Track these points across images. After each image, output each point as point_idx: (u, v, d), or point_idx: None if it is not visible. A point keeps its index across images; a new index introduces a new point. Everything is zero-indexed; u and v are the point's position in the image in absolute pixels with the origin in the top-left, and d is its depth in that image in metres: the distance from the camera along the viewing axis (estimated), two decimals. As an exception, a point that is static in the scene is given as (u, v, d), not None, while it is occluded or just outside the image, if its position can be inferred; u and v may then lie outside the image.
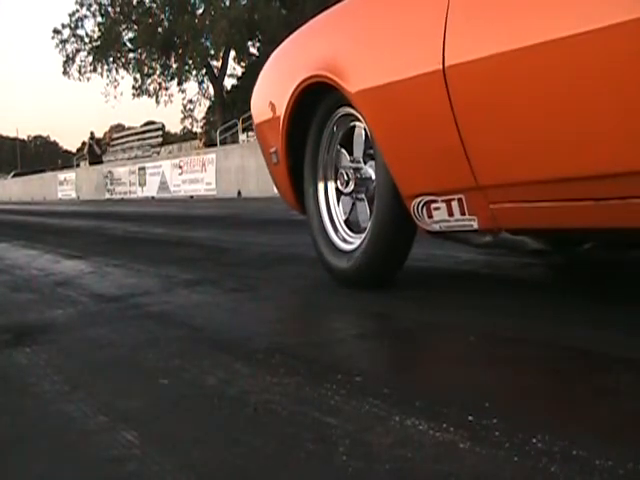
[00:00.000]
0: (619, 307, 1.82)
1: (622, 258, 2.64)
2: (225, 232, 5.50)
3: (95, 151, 27.56)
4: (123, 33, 29.33)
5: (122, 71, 29.90)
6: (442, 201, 1.83)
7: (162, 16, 28.48)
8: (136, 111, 48.41)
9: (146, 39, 27.61)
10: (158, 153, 24.28)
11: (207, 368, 1.44)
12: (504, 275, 2.55)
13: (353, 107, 2.12)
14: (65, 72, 30.20)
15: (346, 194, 2.32)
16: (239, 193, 16.38)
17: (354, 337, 1.77)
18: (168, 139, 32.29)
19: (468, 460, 0.92)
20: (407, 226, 2.03)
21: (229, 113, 26.56)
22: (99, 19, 29.38)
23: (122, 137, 28.50)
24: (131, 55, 29.65)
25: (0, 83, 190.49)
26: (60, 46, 29.91)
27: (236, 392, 1.28)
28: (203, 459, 0.99)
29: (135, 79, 29.51)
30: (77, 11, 29.53)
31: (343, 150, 2.34)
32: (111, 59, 29.48)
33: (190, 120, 31.34)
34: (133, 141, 26.68)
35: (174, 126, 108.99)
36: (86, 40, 29.70)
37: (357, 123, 2.24)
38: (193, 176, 18.70)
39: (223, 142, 21.69)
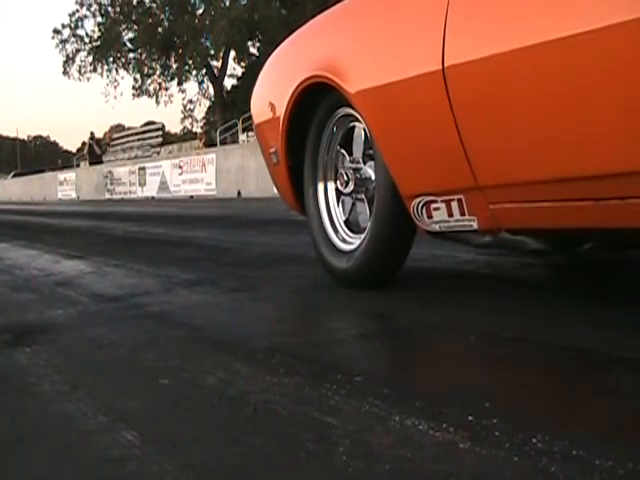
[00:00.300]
0: (619, 307, 1.82)
1: (622, 258, 2.64)
2: (225, 232, 5.50)
3: (95, 151, 27.56)
4: (123, 33, 29.34)
5: (122, 71, 29.93)
6: (442, 201, 1.83)
7: (162, 16, 28.48)
8: (136, 111, 48.43)
9: (146, 39, 27.60)
10: (158, 153, 24.27)
11: (207, 368, 1.44)
12: (504, 275, 2.55)
13: (353, 107, 2.12)
14: (65, 72, 30.21)
15: (346, 194, 2.32)
16: (239, 193, 16.38)
17: (354, 337, 1.77)
18: (168, 139, 32.30)
19: (468, 460, 0.92)
20: (407, 226, 2.03)
21: (229, 113, 26.56)
22: (99, 19, 29.41)
23: (122, 137, 28.48)
24: (131, 55, 29.66)
25: (0, 83, 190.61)
26: (60, 46, 29.94)
27: (236, 392, 1.28)
28: (203, 459, 0.99)
29: (135, 79, 29.54)
30: (77, 11, 29.57)
31: (343, 150, 2.34)
32: (111, 59, 29.48)
33: (190, 120, 31.39)
34: (133, 141, 26.68)
35: (174, 126, 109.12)
36: (86, 40, 29.73)
37: (357, 123, 2.24)
38: (193, 176, 18.70)
39: (223, 142, 21.69)
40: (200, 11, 27.59)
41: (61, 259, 3.92)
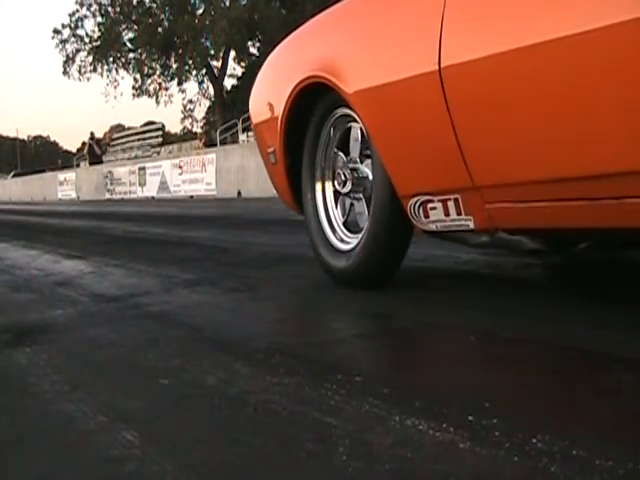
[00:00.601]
0: (619, 307, 1.82)
1: (621, 258, 2.64)
2: (225, 232, 5.50)
3: (95, 151, 27.55)
4: (123, 33, 29.33)
5: (122, 71, 29.91)
6: (438, 201, 1.84)
7: (162, 16, 28.46)
8: (136, 111, 48.49)
9: (146, 39, 27.59)
10: (158, 153, 24.27)
11: (207, 368, 1.44)
12: (504, 275, 2.55)
13: (350, 108, 2.12)
14: (65, 72, 30.20)
15: (344, 194, 2.32)
16: (239, 193, 16.38)
17: (354, 337, 1.77)
18: (168, 139, 32.28)
19: (468, 460, 0.92)
20: (404, 226, 2.04)
21: (229, 113, 26.56)
22: (99, 19, 29.40)
23: (122, 137, 28.49)
24: (131, 55, 29.64)
25: (0, 83, 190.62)
26: (60, 46, 29.92)
27: (236, 392, 1.28)
28: (203, 459, 0.99)
29: (135, 79, 29.52)
30: (77, 11, 29.56)
31: (340, 152, 2.35)
32: (111, 59, 29.46)
33: (190, 120, 31.37)
34: (133, 141, 26.67)
35: (174, 126, 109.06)
36: (86, 40, 29.71)
37: (354, 124, 2.24)
38: (193, 176, 18.70)
39: (223, 142, 21.69)
40: (200, 11, 27.59)
41: (61, 259, 3.93)
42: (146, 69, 29.23)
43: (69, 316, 2.13)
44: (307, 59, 2.32)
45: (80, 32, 29.76)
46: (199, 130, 30.54)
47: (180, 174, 19.37)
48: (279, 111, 2.43)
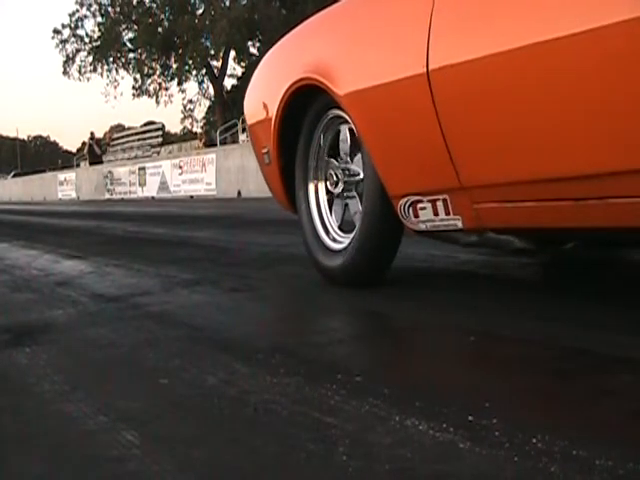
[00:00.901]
0: (620, 307, 1.82)
1: (613, 257, 2.64)
2: (225, 232, 5.50)
3: (95, 151, 27.53)
4: (123, 33, 29.32)
5: (122, 71, 29.91)
6: (427, 201, 1.88)
7: (162, 16, 28.46)
8: (136, 111, 48.35)
9: (146, 39, 27.59)
10: (158, 153, 24.26)
11: (207, 368, 1.44)
12: (504, 275, 2.55)
13: (342, 109, 2.16)
14: (65, 72, 30.19)
15: (337, 195, 2.36)
16: (239, 193, 16.37)
17: (354, 337, 1.77)
18: (168, 139, 32.27)
19: (468, 460, 0.92)
20: (394, 226, 2.07)
21: (229, 113, 26.55)
22: (99, 19, 29.39)
23: (122, 137, 28.46)
24: (131, 55, 29.64)
25: (0, 83, 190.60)
26: (60, 46, 29.92)
27: (236, 392, 1.28)
28: (203, 459, 0.99)
29: (135, 79, 29.52)
30: (77, 11, 29.55)
31: (332, 151, 2.39)
32: (111, 59, 29.46)
33: (190, 120, 31.35)
34: (133, 141, 26.65)
35: (174, 126, 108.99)
36: (86, 40, 29.71)
37: (346, 125, 2.28)
38: (193, 176, 18.69)
39: (223, 142, 21.68)
40: (200, 11, 27.58)
41: (61, 259, 3.92)
42: (146, 69, 29.22)
43: (69, 316, 2.13)
44: (300, 61, 2.36)
45: (80, 32, 29.80)
46: (199, 130, 30.54)
47: (180, 174, 19.36)
48: (273, 112, 2.47)
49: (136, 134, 27.26)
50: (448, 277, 2.56)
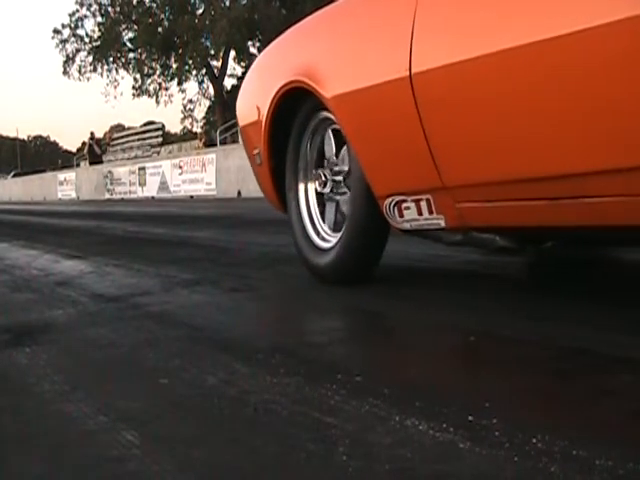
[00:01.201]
0: (620, 307, 1.82)
1: (621, 258, 2.64)
2: (225, 232, 5.50)
3: (95, 151, 27.51)
4: (123, 33, 29.29)
5: (122, 71, 29.86)
6: (412, 201, 1.93)
7: (162, 16, 28.42)
8: (136, 111, 48.30)
9: (146, 39, 27.56)
10: (158, 153, 24.24)
11: (207, 368, 1.44)
12: (504, 275, 2.55)
13: (330, 111, 2.21)
14: (65, 72, 30.15)
15: (327, 194, 2.41)
16: (239, 193, 16.37)
17: (354, 337, 1.77)
18: (168, 139, 32.26)
19: (468, 460, 0.92)
20: (380, 225, 2.12)
21: (229, 113, 26.49)
22: (99, 19, 29.34)
23: (122, 137, 28.44)
24: (131, 55, 29.60)
25: (0, 83, 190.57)
26: (60, 46, 29.86)
27: (236, 392, 1.28)
28: (203, 459, 0.99)
29: (135, 79, 29.46)
30: (77, 11, 29.49)
31: (321, 151, 2.45)
32: (111, 59, 29.43)
33: (190, 120, 31.30)
34: (133, 141, 26.63)
35: (174, 126, 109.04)
36: (86, 40, 29.66)
37: (334, 126, 2.32)
38: (193, 176, 18.68)
39: (223, 142, 21.67)
40: (200, 11, 27.55)
41: (61, 259, 3.92)
42: (146, 69, 29.18)
43: (69, 316, 2.13)
44: (289, 64, 2.42)
45: (80, 32, 29.73)
46: (199, 130, 30.51)
47: (180, 174, 19.35)
48: (263, 114, 2.53)
49: (136, 134, 27.25)
50: (449, 277, 2.56)
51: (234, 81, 30.85)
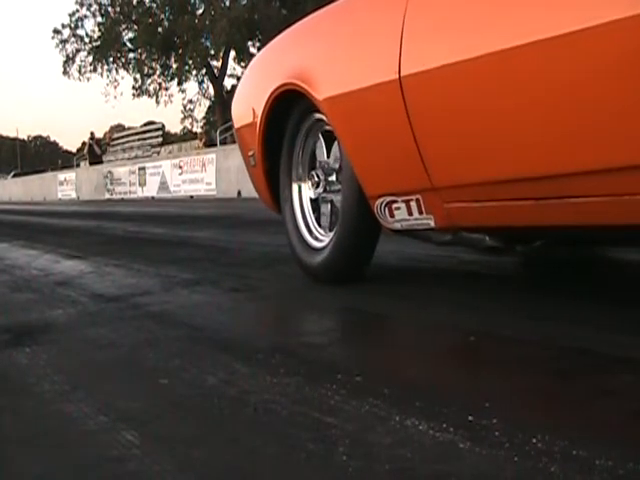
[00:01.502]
0: (620, 307, 1.82)
1: (621, 258, 2.64)
2: (225, 232, 5.50)
3: (95, 151, 27.50)
4: (123, 33, 29.29)
5: (122, 71, 29.86)
6: (402, 201, 1.96)
7: (162, 16, 28.42)
8: (136, 111, 48.34)
9: (146, 39, 27.56)
10: (158, 153, 24.24)
11: (207, 368, 1.44)
12: (504, 275, 2.55)
13: (322, 113, 2.23)
14: (65, 72, 30.15)
15: (321, 194, 2.44)
16: (239, 193, 16.37)
17: (354, 337, 1.77)
18: (168, 139, 32.25)
19: (468, 460, 0.92)
20: (372, 224, 2.15)
21: (229, 113, 26.48)
22: (99, 19, 29.34)
23: (122, 137, 28.42)
24: (131, 55, 29.60)
25: (0, 83, 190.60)
26: (60, 46, 29.86)
27: (236, 392, 1.28)
28: (203, 459, 0.99)
29: (135, 79, 29.47)
30: (77, 11, 29.49)
31: (314, 153, 2.47)
32: (111, 59, 29.43)
33: (190, 120, 31.30)
34: (133, 141, 26.61)
35: (174, 126, 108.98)
36: (86, 40, 29.66)
37: (327, 127, 2.35)
38: (193, 176, 18.68)
39: (223, 142, 21.66)
40: (200, 11, 27.55)
41: (61, 259, 3.92)
42: (146, 69, 29.18)
43: (69, 316, 2.13)
44: (283, 67, 2.45)
45: (80, 32, 29.73)
46: (199, 130, 30.51)
47: (180, 174, 19.35)
48: (258, 116, 2.56)
49: (136, 134, 27.24)
50: (449, 277, 2.56)
51: (234, 81, 30.82)
